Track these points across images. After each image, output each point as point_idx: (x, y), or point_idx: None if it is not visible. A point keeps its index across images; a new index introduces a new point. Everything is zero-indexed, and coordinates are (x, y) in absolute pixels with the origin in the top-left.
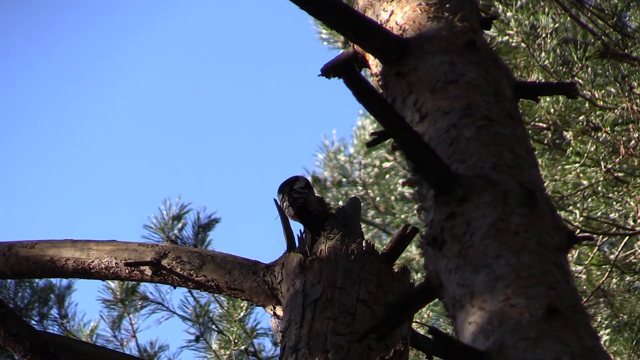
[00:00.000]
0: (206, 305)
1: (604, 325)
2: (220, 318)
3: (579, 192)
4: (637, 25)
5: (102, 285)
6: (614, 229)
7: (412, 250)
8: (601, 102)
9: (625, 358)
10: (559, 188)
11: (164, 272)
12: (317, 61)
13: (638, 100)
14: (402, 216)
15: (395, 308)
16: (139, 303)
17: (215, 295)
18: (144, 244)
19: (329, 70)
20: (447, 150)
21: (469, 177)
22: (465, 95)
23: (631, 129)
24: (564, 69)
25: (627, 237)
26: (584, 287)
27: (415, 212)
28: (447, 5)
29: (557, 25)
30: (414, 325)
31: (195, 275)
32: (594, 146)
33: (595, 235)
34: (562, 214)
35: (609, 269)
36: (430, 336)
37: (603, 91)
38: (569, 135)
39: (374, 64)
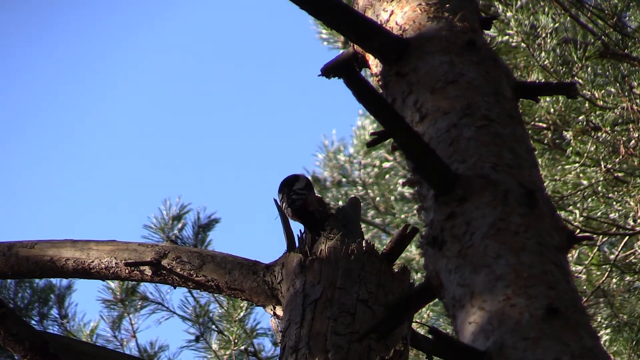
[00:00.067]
0: (206, 305)
1: (604, 325)
2: (220, 318)
3: (579, 192)
4: (637, 25)
5: (102, 285)
6: (614, 229)
7: (412, 250)
8: (601, 102)
9: (625, 358)
10: (559, 188)
11: (164, 272)
12: (317, 61)
13: (638, 100)
14: (402, 216)
15: (395, 308)
16: (139, 303)
17: (215, 295)
18: (144, 244)
19: (329, 70)
20: (447, 150)
21: (469, 177)
22: (465, 95)
23: (631, 129)
24: (564, 69)
25: (627, 237)
26: (584, 287)
27: (415, 212)
28: (447, 5)
29: (557, 25)
30: (414, 325)
31: (195, 275)
32: (594, 146)
33: (595, 235)
34: (562, 214)
35: (609, 269)
36: (430, 336)
37: (603, 91)
38: (569, 135)
39: (374, 64)
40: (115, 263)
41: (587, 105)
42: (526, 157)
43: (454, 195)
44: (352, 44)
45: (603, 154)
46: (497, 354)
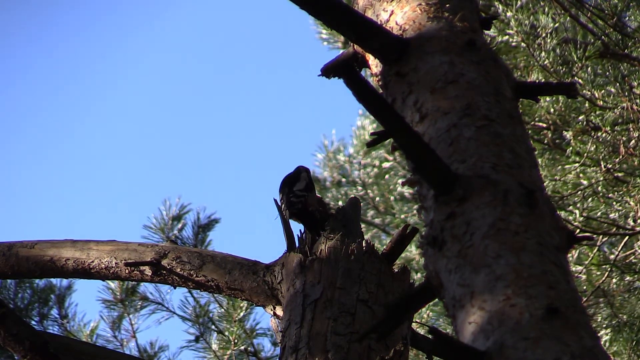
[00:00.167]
0: (206, 305)
1: (604, 325)
2: (220, 318)
3: (579, 192)
4: (637, 25)
5: (102, 285)
6: (614, 229)
7: (412, 250)
8: (601, 102)
9: (625, 358)
10: (559, 188)
11: (164, 272)
12: (317, 61)
13: (638, 100)
14: (402, 216)
15: (395, 308)
16: (139, 303)
17: (215, 295)
18: (144, 244)
19: (329, 70)
20: (447, 150)
21: (469, 177)
22: (465, 95)
23: (631, 129)
24: (564, 69)
25: (627, 237)
26: (584, 287)
27: (415, 212)
28: (447, 5)
29: (557, 25)
30: (414, 325)
31: (195, 275)
32: (594, 146)
33: (595, 235)
34: (562, 214)
35: (609, 269)
36: (430, 336)
37: (603, 91)
38: (569, 135)
39: (374, 64)
40: (115, 263)
41: (587, 105)
42: (526, 157)
43: (454, 195)
44: (352, 44)
45: (603, 154)
46: (497, 354)
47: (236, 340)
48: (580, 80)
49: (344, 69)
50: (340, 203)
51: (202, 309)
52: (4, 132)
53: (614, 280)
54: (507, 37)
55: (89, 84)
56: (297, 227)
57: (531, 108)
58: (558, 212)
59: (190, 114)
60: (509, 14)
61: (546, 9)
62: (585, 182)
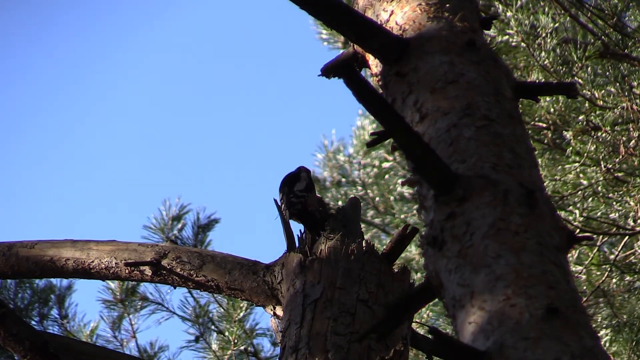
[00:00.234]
0: (206, 305)
1: (604, 325)
2: (220, 318)
3: (579, 192)
4: (637, 25)
5: (102, 285)
6: (614, 229)
7: (412, 250)
8: (601, 102)
9: (625, 358)
10: (559, 188)
11: (164, 272)
12: (317, 61)
13: (638, 100)
14: (402, 216)
15: (395, 308)
16: (139, 303)
17: (215, 295)
18: (144, 244)
19: (329, 70)
20: (447, 150)
21: (469, 177)
22: (465, 95)
23: (631, 129)
24: (564, 69)
25: (627, 237)
26: (584, 287)
27: (415, 212)
28: (447, 5)
29: (557, 25)
30: (414, 325)
31: (195, 275)
32: (594, 146)
33: (595, 235)
34: (562, 214)
35: (609, 269)
36: (430, 336)
37: (603, 91)
38: (569, 135)
39: (374, 64)
40: (115, 263)
41: (587, 105)
42: (526, 157)
43: (454, 195)
44: (352, 44)
45: (603, 154)
46: (497, 354)
47: (236, 341)
48: (580, 80)
49: (344, 69)
50: (340, 203)
51: (202, 309)
52: (4, 132)
53: (614, 280)
54: (507, 37)
55: (89, 84)
56: (297, 227)
57: (531, 108)
58: (558, 212)
59: (190, 114)
60: (509, 14)
61: (546, 9)
62: (585, 182)
